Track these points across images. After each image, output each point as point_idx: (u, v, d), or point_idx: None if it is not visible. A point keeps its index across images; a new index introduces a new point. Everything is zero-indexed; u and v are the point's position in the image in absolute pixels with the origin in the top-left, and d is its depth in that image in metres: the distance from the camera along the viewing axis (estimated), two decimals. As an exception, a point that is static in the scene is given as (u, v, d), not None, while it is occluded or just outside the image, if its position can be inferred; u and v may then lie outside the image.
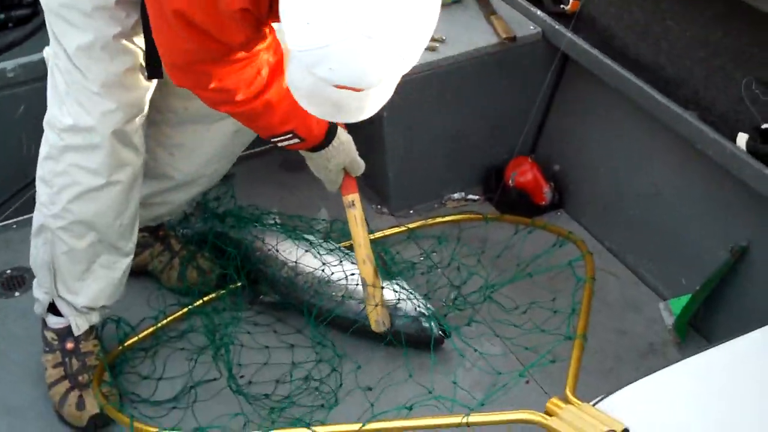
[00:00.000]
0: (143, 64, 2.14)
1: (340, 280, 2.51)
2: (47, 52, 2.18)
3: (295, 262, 2.55)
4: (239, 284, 2.62)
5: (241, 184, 2.95)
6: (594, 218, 2.87)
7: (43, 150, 2.23)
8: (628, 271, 2.73)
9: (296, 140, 2.19)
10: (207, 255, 2.68)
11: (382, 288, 2.43)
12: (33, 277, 2.44)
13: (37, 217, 2.28)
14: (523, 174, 2.91)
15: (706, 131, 2.39)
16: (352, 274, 2.50)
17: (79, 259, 2.26)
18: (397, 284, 2.52)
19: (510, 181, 2.91)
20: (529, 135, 2.97)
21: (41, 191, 2.25)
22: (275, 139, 2.19)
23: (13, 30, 2.83)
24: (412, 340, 2.45)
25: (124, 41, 2.08)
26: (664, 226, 2.66)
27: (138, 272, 2.65)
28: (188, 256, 2.65)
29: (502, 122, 2.95)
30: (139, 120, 2.21)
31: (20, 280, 2.72)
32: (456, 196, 2.99)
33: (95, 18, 2.04)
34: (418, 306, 2.48)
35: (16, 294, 2.68)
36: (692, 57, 2.53)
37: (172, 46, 1.93)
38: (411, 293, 2.50)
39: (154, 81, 2.19)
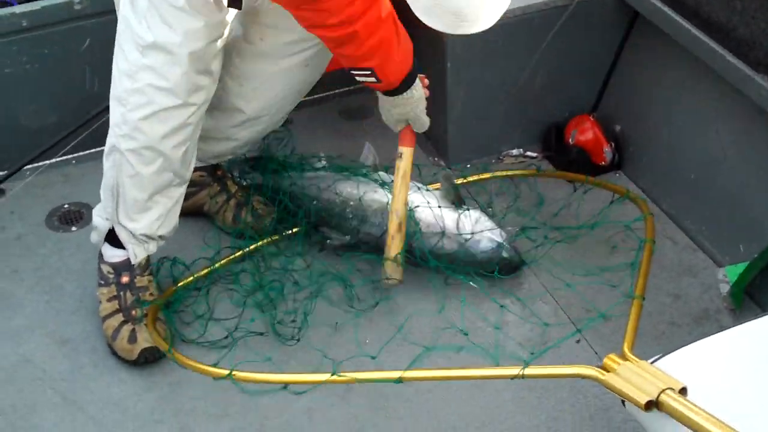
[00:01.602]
0: None
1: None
2: None
3: (360, 199, 2.57)
4: (295, 230, 2.64)
5: (300, 130, 2.95)
6: (653, 180, 2.82)
7: (121, 66, 2.21)
8: (685, 236, 2.68)
9: (372, 79, 2.28)
10: (262, 199, 2.68)
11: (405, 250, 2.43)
12: (90, 212, 2.47)
13: (110, 138, 2.29)
14: (584, 132, 2.87)
15: (777, 96, 2.33)
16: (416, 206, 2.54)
17: (144, 185, 2.28)
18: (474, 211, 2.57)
19: (570, 139, 2.87)
20: (592, 93, 2.93)
21: (115, 111, 2.24)
22: (354, 72, 2.28)
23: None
24: (491, 267, 2.48)
25: None
26: (725, 192, 2.61)
27: (194, 212, 2.67)
28: (245, 199, 2.66)
29: (564, 79, 2.90)
30: (219, 43, 2.22)
31: (78, 215, 2.75)
32: (514, 152, 2.96)
33: None
34: (495, 233, 2.51)
35: (73, 229, 2.71)
36: (767, 18, 2.46)
37: None
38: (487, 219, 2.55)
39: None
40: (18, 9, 2.69)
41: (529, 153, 2.96)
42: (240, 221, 2.65)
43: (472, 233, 2.49)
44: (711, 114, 2.64)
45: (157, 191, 2.30)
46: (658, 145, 2.81)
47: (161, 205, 2.32)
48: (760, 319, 1.67)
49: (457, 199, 2.58)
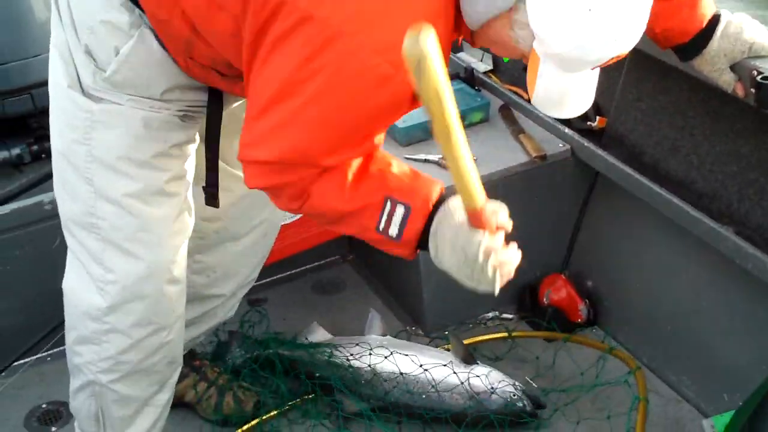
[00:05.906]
0: (190, 202, 2.15)
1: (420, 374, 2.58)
2: (67, 214, 2.14)
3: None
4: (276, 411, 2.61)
5: (274, 308, 2.95)
6: (630, 334, 2.84)
7: (82, 306, 2.18)
8: (669, 388, 2.69)
9: (402, 210, 1.75)
10: (244, 384, 2.66)
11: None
12: (69, 412, 2.42)
13: (81, 373, 2.23)
14: (557, 291, 2.90)
15: (744, 246, 2.37)
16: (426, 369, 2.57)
17: (130, 403, 2.25)
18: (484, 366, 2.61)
19: (545, 299, 2.90)
20: (561, 251, 2.98)
21: (85, 350, 2.20)
22: (381, 227, 1.78)
23: (50, 161, 2.85)
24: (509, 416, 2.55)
25: (173, 184, 2.09)
26: (703, 341, 2.63)
27: (175, 404, 2.62)
28: (227, 385, 2.63)
29: (534, 239, 2.90)
30: (184, 257, 2.20)
31: (57, 414, 2.69)
32: (490, 315, 2.97)
33: (149, 167, 2.03)
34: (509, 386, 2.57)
35: (53, 429, 2.65)
36: (724, 171, 2.54)
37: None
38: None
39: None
40: (-12, 213, 2.68)
41: (505, 315, 2.97)
42: (222, 409, 2.61)
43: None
44: (681, 264, 2.68)
45: (144, 404, 2.27)
46: (632, 298, 2.84)
47: (150, 414, 2.29)
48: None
49: (468, 357, 2.62)
